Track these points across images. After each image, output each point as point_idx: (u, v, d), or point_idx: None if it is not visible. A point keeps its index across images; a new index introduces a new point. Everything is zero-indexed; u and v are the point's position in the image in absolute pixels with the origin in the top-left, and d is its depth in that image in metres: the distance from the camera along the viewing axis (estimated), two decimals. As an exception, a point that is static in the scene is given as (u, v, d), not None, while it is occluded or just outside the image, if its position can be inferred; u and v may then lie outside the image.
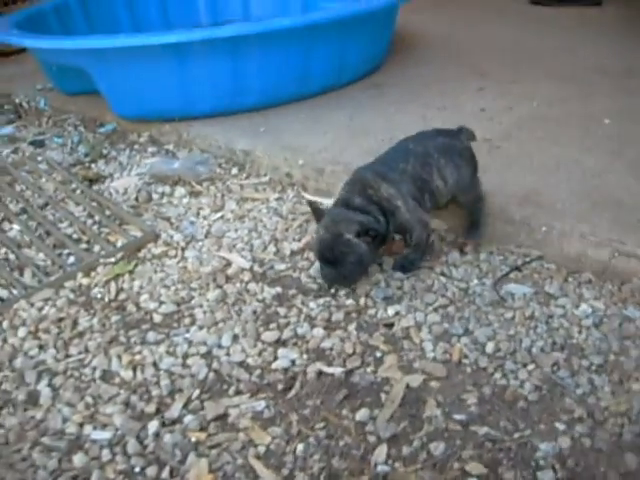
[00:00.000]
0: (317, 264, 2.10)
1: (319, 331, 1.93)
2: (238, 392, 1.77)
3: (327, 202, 2.51)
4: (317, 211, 2.08)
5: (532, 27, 4.27)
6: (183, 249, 2.35)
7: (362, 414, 1.67)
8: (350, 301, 2.05)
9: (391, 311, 2.00)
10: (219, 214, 2.52)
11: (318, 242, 2.00)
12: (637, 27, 4.25)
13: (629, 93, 3.20)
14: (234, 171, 2.80)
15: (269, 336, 1.93)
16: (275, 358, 1.86)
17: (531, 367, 1.80)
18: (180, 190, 2.68)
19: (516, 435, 1.61)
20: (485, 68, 3.55)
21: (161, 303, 2.09)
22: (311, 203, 2.16)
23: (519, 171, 2.53)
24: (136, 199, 2.65)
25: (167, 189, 2.70)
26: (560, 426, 1.63)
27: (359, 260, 1.99)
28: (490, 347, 1.85)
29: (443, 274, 2.15)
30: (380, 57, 3.60)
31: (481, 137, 2.73)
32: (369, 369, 1.81)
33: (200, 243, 2.37)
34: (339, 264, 1.98)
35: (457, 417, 1.66)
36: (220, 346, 1.92)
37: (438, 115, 3.01)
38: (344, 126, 2.94)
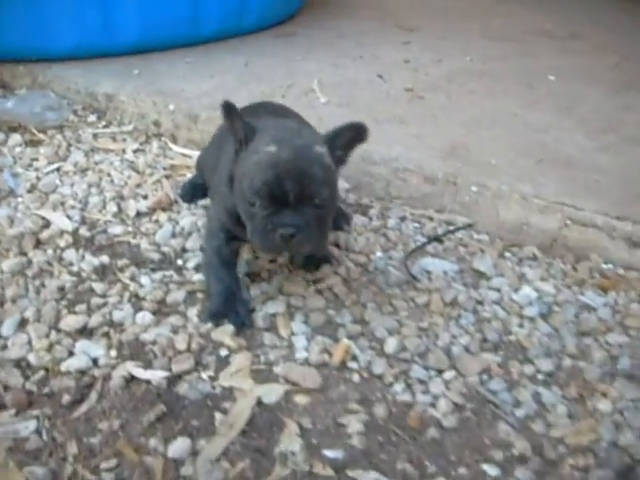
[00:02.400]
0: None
1: (145, 317, 1.24)
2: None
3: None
4: (244, 125, 1.17)
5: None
6: (-8, 205, 1.62)
7: (179, 447, 0.98)
8: (199, 276, 1.35)
9: (254, 291, 1.31)
10: (56, 165, 1.80)
11: (275, 162, 1.09)
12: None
13: (575, 54, 2.59)
14: (91, 118, 2.08)
15: (71, 322, 1.22)
16: (70, 354, 1.16)
17: (450, 375, 1.14)
18: (16, 137, 1.94)
19: (421, 486, 0.94)
20: (412, 24, 2.89)
21: None
22: (229, 106, 1.16)
23: (445, 123, 1.88)
24: (-44, 146, 1.91)
25: (1, 136, 1.96)
26: (490, 470, 0.96)
27: (335, 196, 1.18)
28: (391, 345, 1.18)
29: (336, 245, 1.47)
30: (293, 3, 2.90)
31: (402, 87, 2.08)
32: (205, 375, 1.12)
33: (19, 199, 1.65)
34: (314, 205, 1.10)
35: (329, 454, 0.98)
36: (-3, 335, 1.20)
37: (352, 64, 2.33)
38: (236, 71, 2.24)
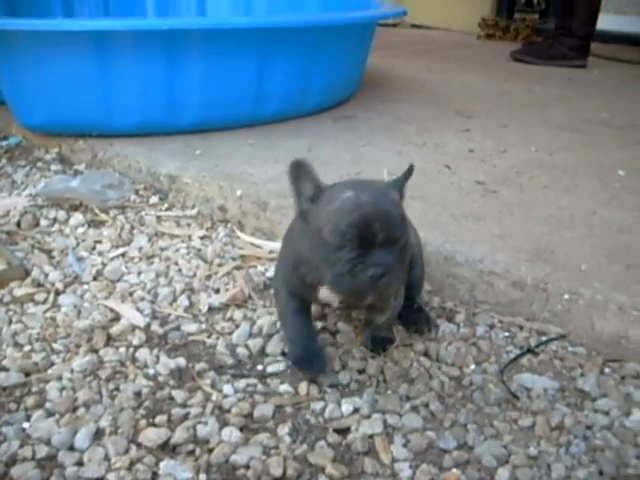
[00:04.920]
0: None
1: (232, 434, 1.14)
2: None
3: (268, 245, 1.75)
4: (313, 181, 1.17)
5: (518, 80, 3.61)
6: (58, 293, 1.55)
7: None
8: (285, 386, 1.26)
9: (346, 408, 1.21)
10: (121, 250, 1.74)
11: (357, 205, 1.08)
12: (628, 86, 3.64)
13: (638, 144, 2.53)
14: (154, 200, 2.03)
15: (152, 436, 1.13)
16: (154, 476, 1.06)
17: (571, 517, 1.03)
18: (78, 217, 1.89)
19: None
20: (470, 110, 2.86)
21: (2, 369, 1.29)
22: (300, 164, 1.18)
23: (524, 221, 1.80)
24: (17, 224, 1.85)
25: (62, 215, 1.91)
26: None
27: (407, 249, 1.16)
28: (503, 477, 1.08)
29: (426, 354, 1.38)
30: (352, 86, 2.88)
31: (472, 179, 2.03)
32: (305, 507, 1.02)
33: (85, 287, 1.58)
34: (399, 246, 1.10)
35: None
36: (71, 448, 1.12)
37: (416, 152, 2.28)
38: (301, 156, 2.18)
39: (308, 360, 1.27)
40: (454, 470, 1.08)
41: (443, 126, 2.61)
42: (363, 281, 1.07)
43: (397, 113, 2.74)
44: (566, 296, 1.49)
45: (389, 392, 1.25)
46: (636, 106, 3.14)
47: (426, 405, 1.23)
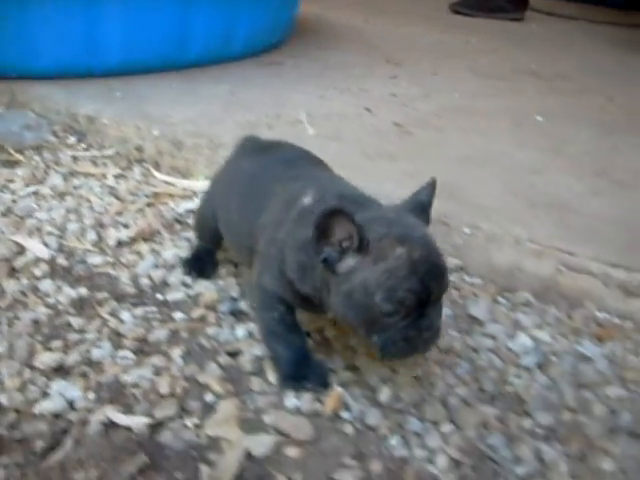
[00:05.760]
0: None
1: (125, 356, 1.17)
2: (-35, 453, 0.99)
3: (182, 183, 1.77)
4: (359, 229, 0.98)
5: (455, 31, 3.64)
6: (-37, 229, 1.54)
7: (161, 504, 0.91)
8: (182, 314, 1.29)
9: (240, 332, 1.25)
10: (33, 188, 1.73)
11: (413, 266, 0.97)
12: (562, 40, 3.70)
13: (561, 93, 2.59)
14: (71, 140, 2.01)
15: (47, 360, 1.15)
16: (44, 395, 1.08)
17: (447, 428, 1.08)
18: (-8, 158, 1.87)
19: None
20: (401, 59, 2.88)
21: None
22: (337, 211, 0.96)
23: (436, 161, 1.84)
24: None
25: (-25, 156, 1.89)
26: (492, 534, 0.91)
27: None
28: (386, 393, 1.13)
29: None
30: (280, 32, 2.87)
31: (391, 121, 2.06)
32: (190, 422, 1.05)
33: (-7, 222, 1.58)
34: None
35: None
36: (-35, 373, 1.13)
37: (339, 96, 2.30)
38: (222, 99, 2.19)
39: (305, 377, 1.12)
40: (338, 388, 1.12)
41: (371, 73, 2.63)
42: (417, 345, 1.01)
43: (327, 60, 2.75)
44: (467, 230, 1.54)
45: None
46: (566, 58, 3.21)
47: (320, 331, 1.27)
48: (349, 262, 0.99)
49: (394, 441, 1.04)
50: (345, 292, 1.00)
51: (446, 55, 3.03)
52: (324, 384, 1.12)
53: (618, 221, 1.62)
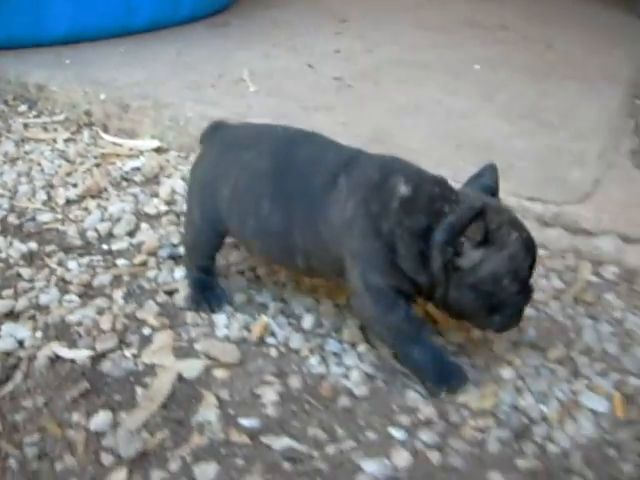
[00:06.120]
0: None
1: (71, 299, 1.28)
2: None
3: (129, 143, 1.86)
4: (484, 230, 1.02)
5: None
6: None
7: (101, 420, 1.03)
8: (124, 261, 1.40)
9: (178, 274, 1.36)
10: (-15, 155, 1.82)
11: (526, 249, 1.06)
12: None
13: (502, 44, 2.69)
14: (22, 108, 2.09)
15: (-2, 307, 1.25)
16: (-5, 338, 1.19)
17: (363, 348, 1.20)
18: (-56, 128, 1.95)
19: (331, 449, 1.00)
20: (346, 15, 2.96)
21: None
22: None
23: (371, 111, 1.94)
24: None
25: None
26: (397, 433, 1.03)
27: None
28: (308, 321, 1.24)
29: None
30: (226, -6, 2.94)
31: (331, 76, 2.15)
32: (128, 353, 1.17)
33: (-53, 188, 1.67)
34: None
35: (244, 423, 1.04)
36: None
37: (284, 54, 2.39)
38: (167, 61, 2.27)
39: (449, 380, 1.11)
40: (264, 317, 1.24)
41: (317, 30, 2.71)
42: (520, 316, 1.11)
43: (274, 20, 2.83)
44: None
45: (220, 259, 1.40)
46: (510, 8, 3.29)
47: (253, 269, 1.38)
48: (473, 256, 1.02)
49: (313, 361, 1.16)
50: (471, 284, 1.04)
51: (391, 10, 3.11)
52: (465, 379, 1.12)
53: (537, 159, 1.73)
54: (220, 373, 1.13)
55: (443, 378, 1.10)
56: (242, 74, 2.14)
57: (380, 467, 0.97)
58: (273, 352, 1.18)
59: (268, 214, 1.13)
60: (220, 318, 1.24)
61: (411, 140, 1.77)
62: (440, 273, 1.04)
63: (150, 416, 1.04)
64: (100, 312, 1.24)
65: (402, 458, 0.98)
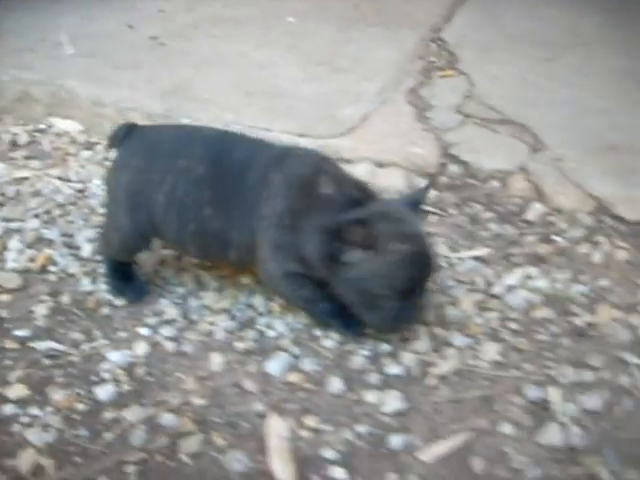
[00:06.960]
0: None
1: None
2: None
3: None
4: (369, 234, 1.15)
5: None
6: None
7: None
8: None
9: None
10: None
11: (412, 261, 1.16)
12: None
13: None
14: None
15: None
16: None
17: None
18: None
19: (85, 347, 1.24)
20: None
21: None
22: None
23: (177, 67, 2.15)
24: None
25: None
26: (143, 331, 1.27)
27: None
28: (87, 250, 1.46)
29: (60, 177, 1.73)
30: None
31: (148, 36, 2.33)
32: None
33: None
34: None
35: (18, 333, 1.26)
36: None
37: (105, 16, 2.55)
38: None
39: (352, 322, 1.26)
40: (47, 250, 1.45)
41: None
42: (402, 323, 1.22)
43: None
44: (186, 120, 1.86)
45: (21, 207, 1.59)
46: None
47: (48, 212, 1.59)
48: (354, 255, 1.14)
49: (85, 281, 1.38)
50: (349, 279, 1.16)
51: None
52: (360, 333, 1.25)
53: (318, 100, 1.97)
54: (3, 297, 1.34)
55: (347, 325, 1.25)
56: (61, 37, 2.29)
57: (122, 356, 1.21)
58: (52, 277, 1.40)
59: (209, 218, 1.22)
60: (10, 254, 1.44)
61: (208, 92, 1.99)
62: (323, 264, 1.17)
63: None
64: None
65: (141, 348, 1.23)
